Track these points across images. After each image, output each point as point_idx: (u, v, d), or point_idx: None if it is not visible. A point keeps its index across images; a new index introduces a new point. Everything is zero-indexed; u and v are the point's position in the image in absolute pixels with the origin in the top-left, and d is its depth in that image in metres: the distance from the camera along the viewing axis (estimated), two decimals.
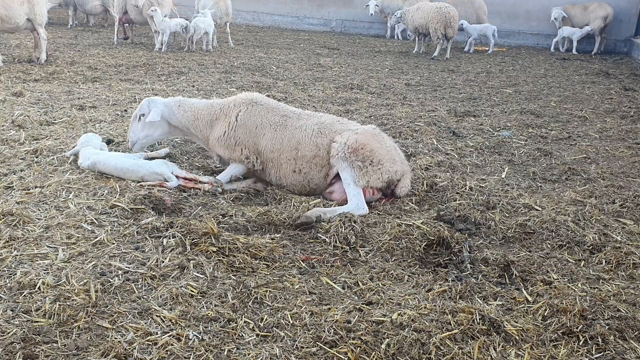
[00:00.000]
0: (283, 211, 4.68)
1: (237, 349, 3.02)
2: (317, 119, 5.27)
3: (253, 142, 5.22)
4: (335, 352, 3.02)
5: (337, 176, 5.02)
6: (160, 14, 12.79)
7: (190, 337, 3.06)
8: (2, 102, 7.58)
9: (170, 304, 3.34)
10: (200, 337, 3.07)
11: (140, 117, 5.51)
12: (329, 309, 3.41)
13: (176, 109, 5.50)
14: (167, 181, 5.06)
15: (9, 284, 3.40)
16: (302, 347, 3.06)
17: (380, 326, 3.23)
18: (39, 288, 3.37)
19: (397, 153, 5.22)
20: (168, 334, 3.06)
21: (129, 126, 5.74)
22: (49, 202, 4.55)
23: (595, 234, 4.48)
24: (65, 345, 2.94)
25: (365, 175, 4.86)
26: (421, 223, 4.48)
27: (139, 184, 5.01)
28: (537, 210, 4.94)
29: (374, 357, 3.00)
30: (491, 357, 3.04)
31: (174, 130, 5.66)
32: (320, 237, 4.31)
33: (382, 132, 5.38)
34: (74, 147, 5.66)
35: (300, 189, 5.19)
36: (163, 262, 3.77)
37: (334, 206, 4.80)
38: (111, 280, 3.52)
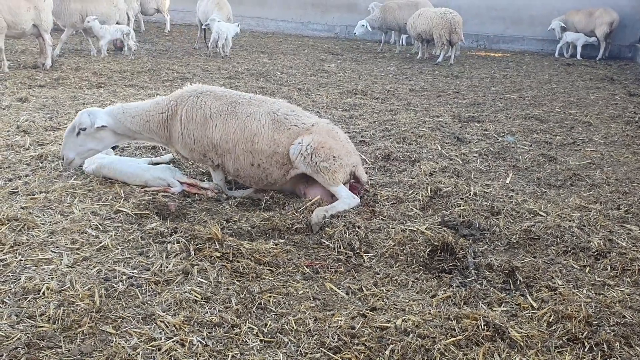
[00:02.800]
0: (287, 217, 4.68)
1: (241, 354, 3.02)
2: (268, 106, 5.10)
3: (206, 136, 5.02)
4: (339, 358, 3.01)
5: (300, 176, 5.02)
6: (98, 23, 12.22)
7: (194, 343, 3.05)
8: (7, 107, 7.62)
9: (174, 310, 3.34)
10: (204, 342, 3.07)
11: (80, 132, 5.08)
12: (333, 314, 3.41)
13: (121, 116, 5.14)
14: (171, 186, 5.07)
15: (13, 289, 3.41)
16: (306, 353, 3.05)
17: (384, 332, 3.23)
18: (43, 293, 3.38)
19: (350, 144, 5.22)
20: (172, 340, 3.06)
21: (63, 143, 5.25)
22: (54, 207, 4.57)
23: (600, 239, 4.47)
24: (69, 350, 2.94)
25: (335, 172, 4.86)
26: (425, 229, 4.47)
27: (143, 189, 5.02)
28: (541, 216, 4.93)
29: None
30: None
31: (121, 138, 5.35)
32: (324, 242, 4.31)
33: (334, 126, 5.29)
34: None
35: (257, 182, 5.15)
36: (167, 267, 3.77)
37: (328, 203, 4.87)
38: (115, 286, 3.52)
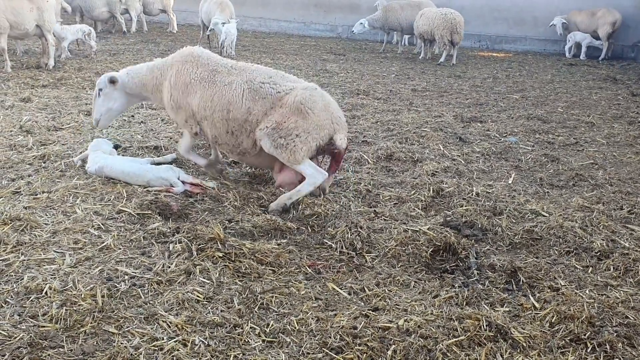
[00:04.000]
0: (289, 217, 4.68)
1: (243, 354, 3.02)
2: (246, 75, 5.15)
3: (187, 103, 5.23)
4: (341, 358, 3.01)
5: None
6: (58, 25, 11.91)
7: (196, 343, 3.06)
8: (10, 107, 7.63)
9: (176, 309, 3.35)
10: (206, 342, 3.07)
11: (99, 93, 5.63)
12: (335, 314, 3.41)
13: (125, 76, 5.59)
14: (173, 186, 5.07)
15: (16, 289, 3.42)
16: (308, 353, 3.05)
17: (386, 332, 3.22)
18: (46, 293, 3.39)
19: (328, 114, 4.94)
20: (174, 340, 3.06)
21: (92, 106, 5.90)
22: (57, 207, 4.57)
23: (603, 240, 4.46)
24: (71, 350, 2.95)
25: (295, 151, 4.79)
26: (427, 229, 4.47)
27: (145, 189, 5.02)
28: (544, 216, 4.92)
29: None
30: None
31: (133, 98, 5.80)
32: (327, 242, 4.31)
33: (314, 91, 5.01)
34: (81, 152, 5.69)
35: (231, 149, 5.27)
36: (169, 267, 3.78)
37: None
38: (118, 286, 3.52)
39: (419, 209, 5.03)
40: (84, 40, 12.49)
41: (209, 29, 14.66)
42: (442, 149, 6.93)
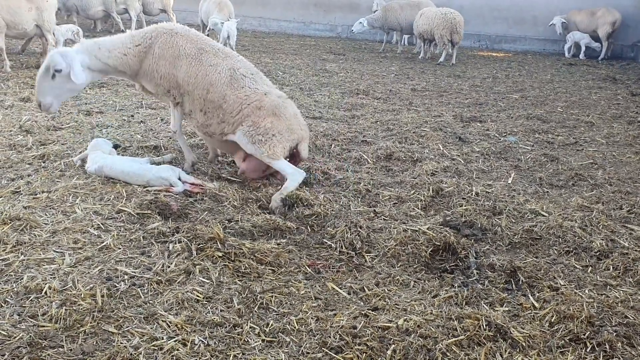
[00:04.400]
0: (288, 216, 4.68)
1: (243, 354, 3.02)
2: (230, 62, 5.34)
3: (173, 74, 5.30)
4: (340, 358, 3.02)
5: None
6: None
7: (195, 342, 3.06)
8: (10, 107, 7.63)
9: (176, 309, 3.35)
10: (206, 342, 3.07)
11: (55, 74, 5.12)
12: (335, 314, 3.41)
13: (98, 52, 5.23)
14: (173, 186, 5.07)
15: (15, 289, 3.42)
16: (308, 353, 3.05)
17: (386, 332, 3.23)
18: (46, 292, 3.38)
19: (297, 121, 5.35)
20: (174, 339, 3.06)
21: (36, 89, 5.33)
22: (56, 207, 4.57)
23: (603, 240, 4.46)
24: (71, 350, 2.95)
25: (272, 147, 5.08)
26: (427, 229, 4.47)
27: (145, 189, 5.02)
28: (543, 216, 4.92)
29: None
30: None
31: (95, 75, 5.44)
32: (326, 242, 4.31)
33: (286, 100, 5.43)
34: (81, 152, 5.69)
35: (200, 127, 5.44)
36: (169, 267, 3.78)
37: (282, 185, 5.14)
38: (117, 285, 3.53)
39: (418, 208, 5.03)
40: (74, 39, 12.46)
41: (209, 28, 14.66)
42: (441, 148, 6.93)
